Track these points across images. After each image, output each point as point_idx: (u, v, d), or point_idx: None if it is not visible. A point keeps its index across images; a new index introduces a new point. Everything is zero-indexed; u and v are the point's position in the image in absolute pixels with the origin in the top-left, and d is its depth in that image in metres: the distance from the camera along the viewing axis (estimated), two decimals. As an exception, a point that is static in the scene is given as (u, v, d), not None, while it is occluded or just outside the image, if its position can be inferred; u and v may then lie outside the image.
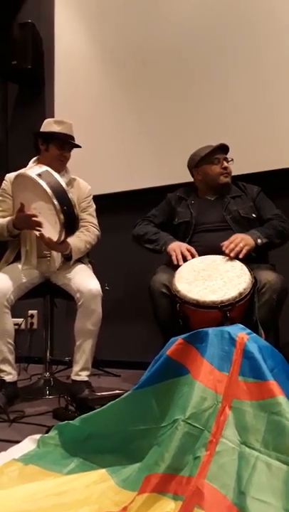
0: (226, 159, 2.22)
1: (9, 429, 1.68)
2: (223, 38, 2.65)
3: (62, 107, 3.15)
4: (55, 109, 3.18)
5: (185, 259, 1.96)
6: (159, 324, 1.98)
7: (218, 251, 1.96)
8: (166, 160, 2.75)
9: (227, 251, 1.89)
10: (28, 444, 1.39)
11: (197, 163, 2.24)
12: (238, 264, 1.88)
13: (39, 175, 1.87)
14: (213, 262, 1.93)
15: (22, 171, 2.03)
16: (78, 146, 2.27)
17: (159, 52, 2.83)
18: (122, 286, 2.87)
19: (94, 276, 2.17)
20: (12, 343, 2.04)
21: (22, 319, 2.94)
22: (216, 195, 2.25)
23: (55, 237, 1.95)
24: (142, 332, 2.68)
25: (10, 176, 2.24)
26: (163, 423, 1.13)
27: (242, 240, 1.92)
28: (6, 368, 2.02)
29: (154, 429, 1.14)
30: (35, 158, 2.27)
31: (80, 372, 2.05)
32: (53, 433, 1.38)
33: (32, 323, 3.19)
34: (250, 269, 1.85)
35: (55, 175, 1.90)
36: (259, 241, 1.96)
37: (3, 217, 2.17)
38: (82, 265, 2.23)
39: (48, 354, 2.37)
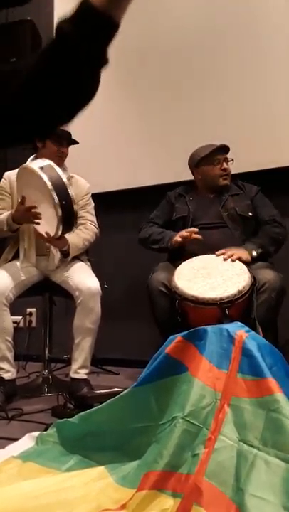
0: (226, 160, 2.22)
1: (8, 426, 1.68)
2: (223, 37, 2.64)
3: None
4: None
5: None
6: (158, 322, 1.98)
7: (214, 249, 1.97)
8: (165, 158, 2.75)
9: (225, 257, 1.90)
10: (27, 442, 1.39)
11: (197, 163, 2.25)
12: (237, 263, 1.89)
13: (41, 168, 1.86)
14: (212, 260, 1.94)
15: (26, 163, 2.03)
16: (76, 142, 2.26)
17: (158, 50, 2.83)
18: (121, 284, 2.87)
19: (93, 274, 2.17)
20: (11, 340, 2.04)
21: (21, 317, 2.94)
22: (215, 193, 2.25)
23: (52, 232, 1.95)
24: (140, 330, 2.68)
25: (8, 174, 2.23)
26: (162, 420, 1.13)
27: (237, 252, 1.93)
28: (5, 365, 2.02)
29: (153, 427, 1.14)
30: (32, 157, 2.26)
31: (78, 370, 2.05)
32: (51, 430, 1.38)
33: (31, 321, 3.19)
34: (250, 268, 1.86)
35: (58, 169, 1.89)
36: (254, 253, 1.98)
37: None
38: (81, 263, 2.23)
39: (46, 352, 2.37)
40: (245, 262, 1.90)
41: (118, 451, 1.20)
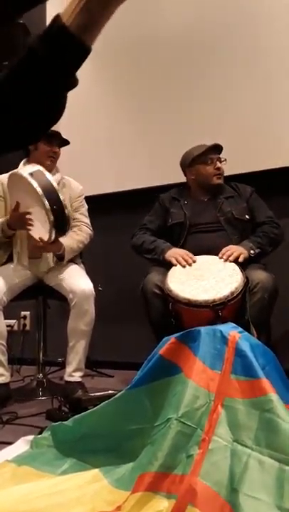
0: (219, 159, 2.22)
1: (2, 430, 1.68)
2: (218, 38, 2.64)
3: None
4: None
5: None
6: (152, 324, 1.98)
7: (212, 252, 1.97)
8: (158, 161, 2.76)
9: (224, 257, 1.91)
10: (22, 445, 1.39)
11: (190, 162, 2.24)
12: (230, 264, 1.90)
13: (31, 174, 1.87)
14: (205, 262, 1.94)
15: (16, 170, 2.03)
16: (67, 142, 2.26)
17: (152, 51, 2.83)
18: (115, 286, 2.87)
19: (86, 276, 2.17)
20: (4, 344, 2.04)
21: (15, 321, 2.94)
22: (209, 195, 2.25)
23: (46, 237, 1.96)
24: (134, 332, 2.68)
25: (1, 178, 2.23)
26: (156, 422, 1.14)
27: (237, 250, 1.93)
28: (-1, 369, 2.01)
29: (148, 429, 1.15)
30: (25, 160, 2.26)
31: (73, 373, 2.05)
32: (46, 434, 1.38)
33: (25, 325, 3.18)
34: (242, 269, 1.87)
35: (47, 174, 1.90)
36: (252, 252, 1.98)
37: None
38: (75, 266, 2.23)
39: (40, 355, 2.36)
40: (240, 262, 1.91)
41: (113, 453, 1.20)
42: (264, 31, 2.54)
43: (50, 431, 1.37)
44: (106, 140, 2.97)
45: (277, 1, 2.51)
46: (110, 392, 1.62)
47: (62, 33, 0.61)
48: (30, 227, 2.00)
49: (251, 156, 2.52)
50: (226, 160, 2.23)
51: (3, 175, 2.23)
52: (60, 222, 1.91)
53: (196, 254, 2.01)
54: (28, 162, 2.21)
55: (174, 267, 1.94)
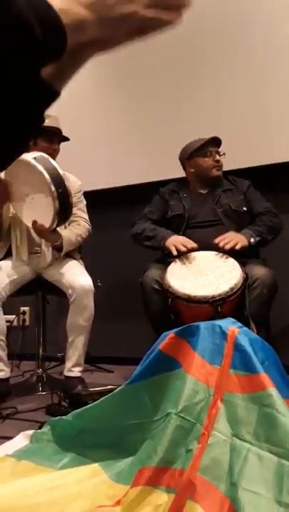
0: (218, 152, 2.23)
1: (2, 425, 1.68)
2: (216, 32, 2.63)
3: (51, 106, 3.12)
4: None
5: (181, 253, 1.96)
6: (151, 319, 1.98)
7: (210, 247, 1.97)
8: (157, 155, 2.75)
9: (221, 244, 1.90)
10: (21, 440, 1.39)
11: (189, 155, 2.25)
12: (229, 259, 1.89)
13: (35, 158, 1.83)
14: (205, 257, 1.94)
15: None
16: (66, 139, 2.25)
17: (150, 46, 2.79)
18: (114, 282, 2.87)
19: (86, 272, 2.17)
20: (4, 339, 2.04)
21: (14, 316, 2.93)
22: (208, 188, 2.26)
23: (47, 224, 1.93)
24: (134, 327, 2.68)
25: None
26: (156, 417, 1.14)
27: (235, 237, 1.93)
28: (-1, 364, 2.02)
29: (147, 423, 1.15)
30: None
31: (72, 368, 2.05)
32: (45, 429, 1.38)
33: (24, 320, 3.18)
34: (242, 265, 1.87)
35: (51, 160, 1.86)
36: (252, 240, 1.97)
37: None
38: (74, 261, 2.23)
39: (40, 350, 2.37)
40: (239, 256, 1.90)
41: (112, 448, 1.20)
42: (262, 26, 2.53)
43: (49, 426, 1.37)
44: (105, 135, 2.96)
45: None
46: (110, 387, 1.62)
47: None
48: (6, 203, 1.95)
49: (249, 151, 2.51)
50: (224, 154, 2.23)
51: None
52: (65, 209, 1.88)
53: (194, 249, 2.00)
54: None
55: (173, 263, 1.94)
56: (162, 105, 2.76)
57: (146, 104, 2.81)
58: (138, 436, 1.15)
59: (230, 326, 1.25)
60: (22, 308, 3.17)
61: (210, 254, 1.95)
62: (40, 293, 2.35)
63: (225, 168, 2.27)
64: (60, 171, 1.84)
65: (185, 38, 2.71)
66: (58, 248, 2.15)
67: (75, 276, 2.09)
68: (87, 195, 2.41)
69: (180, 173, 2.36)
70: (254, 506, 0.87)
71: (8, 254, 2.20)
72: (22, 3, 0.41)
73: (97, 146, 2.96)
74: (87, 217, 2.32)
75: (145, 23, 0.55)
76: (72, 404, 1.72)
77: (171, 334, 1.25)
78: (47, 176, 1.78)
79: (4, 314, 2.04)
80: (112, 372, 2.68)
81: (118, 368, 2.69)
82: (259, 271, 1.85)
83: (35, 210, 1.94)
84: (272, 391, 1.03)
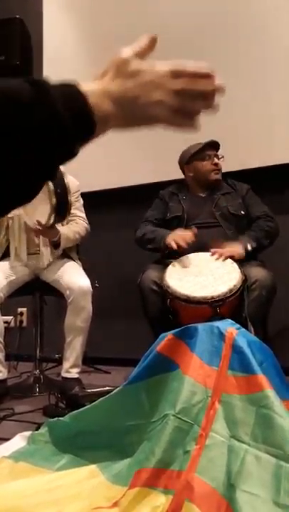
0: (216, 156, 2.23)
1: (-1, 426, 1.68)
2: (215, 36, 2.64)
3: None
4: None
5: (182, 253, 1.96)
6: (149, 320, 1.98)
7: (207, 248, 1.98)
8: (156, 157, 2.74)
9: (217, 256, 1.91)
10: (19, 442, 1.39)
11: (188, 159, 2.26)
12: (228, 261, 1.90)
13: None
14: (203, 258, 1.95)
15: None
16: None
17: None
18: (112, 282, 2.87)
19: (84, 273, 2.17)
20: (1, 341, 2.03)
21: (11, 317, 2.93)
22: (207, 191, 2.26)
23: (44, 220, 1.93)
24: (132, 329, 2.68)
25: None
26: (153, 418, 1.13)
27: (231, 252, 1.93)
28: (-4, 365, 2.01)
29: (145, 425, 1.15)
30: None
31: (70, 370, 2.05)
32: (43, 430, 1.38)
33: (21, 321, 3.17)
34: (241, 266, 1.87)
35: None
36: (249, 247, 1.98)
37: None
38: (72, 262, 2.22)
39: (37, 351, 2.36)
40: (237, 259, 1.91)
41: (110, 449, 1.20)
42: (260, 29, 2.53)
43: (47, 427, 1.37)
44: (105, 136, 2.95)
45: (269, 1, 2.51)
46: (107, 388, 1.62)
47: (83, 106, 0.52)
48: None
49: (247, 154, 2.52)
50: (223, 157, 2.23)
51: None
52: (62, 206, 1.88)
53: (192, 250, 2.01)
54: None
55: (171, 264, 1.94)
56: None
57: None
58: (136, 438, 1.15)
59: (229, 327, 1.25)
60: (19, 309, 3.16)
61: (209, 255, 1.96)
62: (37, 294, 2.35)
63: (223, 170, 2.28)
64: (60, 168, 1.84)
65: (185, 40, 2.72)
66: (55, 244, 2.15)
67: (73, 277, 2.09)
68: (85, 196, 2.41)
69: (179, 175, 2.36)
70: (252, 507, 0.87)
71: (5, 255, 2.20)
72: (60, 104, 0.48)
73: (96, 147, 2.94)
74: (84, 216, 2.32)
75: (168, 124, 0.60)
76: (69, 406, 1.72)
77: (169, 335, 1.25)
78: None
79: (2, 315, 2.03)
80: (110, 373, 2.68)
81: (116, 369, 2.68)
82: (258, 272, 1.86)
83: (32, 206, 1.94)
84: (270, 392, 1.03)
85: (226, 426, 1.03)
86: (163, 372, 1.20)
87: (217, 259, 1.91)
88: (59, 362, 2.34)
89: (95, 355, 2.69)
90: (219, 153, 2.25)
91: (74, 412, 1.31)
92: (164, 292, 1.84)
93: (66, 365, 2.05)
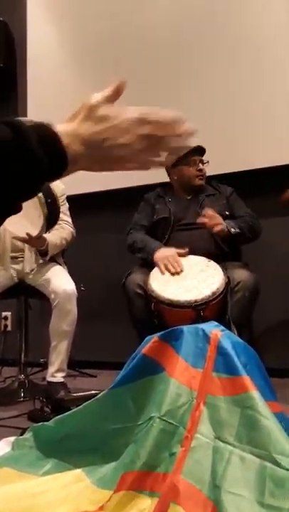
0: (201, 161, 2.26)
1: (-17, 432, 1.66)
2: (199, 39, 2.67)
3: (35, 106, 3.12)
4: (28, 108, 3.15)
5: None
6: (135, 324, 1.99)
7: (195, 250, 1.99)
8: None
9: (206, 219, 1.96)
10: (3, 447, 1.37)
11: (173, 163, 2.27)
12: (212, 263, 1.92)
13: None
14: (188, 262, 1.96)
15: None
16: None
17: (133, 52, 2.84)
18: (98, 286, 2.87)
19: (69, 276, 2.16)
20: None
21: (-4, 321, 2.90)
22: (192, 194, 2.29)
23: (35, 232, 1.92)
24: (117, 332, 2.68)
25: None
26: (139, 421, 1.13)
27: (216, 220, 1.98)
28: (-20, 370, 1.99)
29: (131, 428, 1.15)
30: None
31: (55, 374, 2.04)
32: (27, 435, 1.36)
33: (6, 325, 3.14)
34: (224, 268, 1.89)
35: None
36: (232, 230, 2.02)
37: None
38: (57, 266, 2.21)
39: (22, 356, 2.34)
40: (221, 260, 1.93)
41: (95, 453, 1.19)
42: (245, 33, 2.57)
43: (32, 432, 1.36)
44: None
45: (254, 5, 2.54)
46: (93, 392, 1.61)
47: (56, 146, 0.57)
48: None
49: (231, 157, 2.54)
50: (208, 162, 2.26)
51: None
52: (53, 215, 1.89)
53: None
54: None
55: (156, 267, 1.95)
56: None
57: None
58: (121, 441, 1.14)
59: (214, 329, 1.25)
60: (4, 313, 3.13)
61: (193, 259, 1.97)
62: (22, 297, 2.33)
63: (208, 173, 2.30)
64: None
65: (169, 45, 2.74)
66: (43, 253, 2.14)
67: (58, 280, 2.08)
68: (71, 199, 2.41)
69: (164, 178, 2.37)
70: (237, 508, 0.88)
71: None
72: (35, 142, 0.54)
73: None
74: (70, 220, 2.31)
75: (134, 164, 0.63)
76: (54, 410, 1.70)
77: (154, 338, 1.25)
78: None
79: (-14, 319, 2.01)
80: (96, 377, 2.67)
81: (101, 373, 2.67)
82: (241, 274, 1.88)
83: (21, 217, 1.93)
84: (255, 393, 1.04)
85: (211, 427, 1.04)
86: (149, 374, 1.20)
87: (205, 222, 1.95)
88: (44, 366, 2.32)
89: (80, 359, 2.68)
90: (204, 157, 2.27)
91: (59, 416, 1.30)
92: (148, 296, 1.84)
93: (51, 369, 2.04)
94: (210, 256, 1.96)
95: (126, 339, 2.00)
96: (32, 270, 2.18)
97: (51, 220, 1.89)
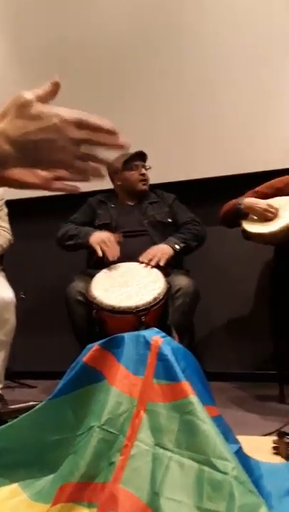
0: (144, 166, 2.28)
1: None
2: (144, 45, 2.69)
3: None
4: None
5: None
6: (76, 332, 1.96)
7: (135, 257, 2.00)
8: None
9: (146, 260, 1.94)
10: None
11: (117, 169, 2.28)
12: (154, 270, 1.93)
13: None
14: (129, 268, 1.96)
15: None
16: None
17: (77, 54, 2.81)
18: (38, 294, 2.80)
19: (7, 284, 2.09)
20: None
21: None
22: (135, 200, 2.30)
23: None
24: (58, 341, 2.62)
25: None
26: (79, 431, 1.11)
27: (158, 251, 1.97)
28: None
29: (71, 438, 1.12)
30: None
31: (-8, 386, 1.96)
32: None
33: None
34: (166, 275, 1.91)
35: None
36: (177, 247, 2.04)
37: None
38: (-5, 273, 2.14)
39: None
40: (163, 267, 1.95)
41: (34, 466, 1.15)
42: (189, 42, 2.62)
43: None
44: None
45: (203, 12, 2.60)
46: (31, 403, 1.57)
47: None
48: None
49: (175, 167, 2.59)
50: (150, 167, 2.29)
51: None
52: None
53: (121, 259, 2.03)
54: None
55: (97, 275, 1.93)
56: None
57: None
58: (61, 453, 1.11)
59: (154, 335, 1.26)
60: None
61: (135, 265, 1.98)
62: None
63: (151, 182, 2.33)
64: None
65: (114, 49, 2.74)
66: None
67: (-4, 288, 2.00)
68: (11, 204, 2.34)
69: (107, 185, 2.37)
70: (175, 514, 0.88)
71: None
72: None
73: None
74: (8, 226, 2.24)
75: (71, 170, 0.61)
76: (-10, 424, 1.63)
77: (95, 346, 1.24)
78: None
79: None
80: (36, 387, 2.59)
81: (42, 383, 2.60)
82: (182, 281, 1.91)
83: None
84: (193, 398, 1.05)
85: (151, 434, 1.04)
86: (89, 383, 1.18)
87: (146, 265, 1.93)
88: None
89: (19, 370, 2.60)
90: (146, 164, 2.30)
91: (-6, 430, 1.25)
92: (90, 303, 1.82)
93: (-13, 381, 1.96)
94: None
95: (67, 348, 1.96)
96: None
97: None
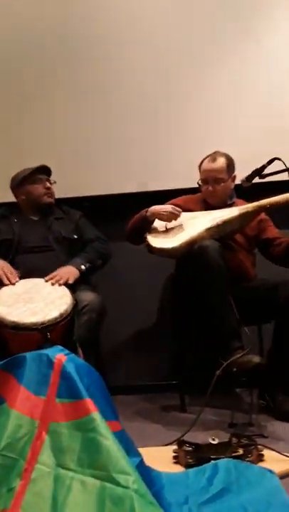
0: (48, 180, 2.26)
1: None
2: (54, 57, 2.64)
3: None
4: None
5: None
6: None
7: (41, 273, 1.97)
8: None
9: (53, 281, 1.92)
10: None
11: (19, 183, 2.23)
12: (59, 286, 1.91)
13: None
14: (35, 285, 1.92)
15: None
16: None
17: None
18: None
19: None
20: None
21: None
22: (40, 215, 2.26)
23: None
24: None
25: None
26: (-23, 459, 1.06)
27: (65, 274, 1.96)
28: None
29: None
30: None
31: None
32: None
33: None
34: (73, 291, 1.90)
35: None
36: (83, 267, 2.05)
37: None
38: None
39: None
40: (71, 284, 1.94)
41: None
42: (100, 54, 2.63)
43: None
44: None
45: (109, 26, 2.64)
46: None
47: None
48: None
49: (80, 181, 2.60)
50: (55, 182, 2.28)
51: None
52: None
53: (25, 275, 1.98)
54: None
55: (0, 291, 1.87)
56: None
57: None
58: None
59: (58, 354, 1.24)
60: None
61: (41, 281, 1.94)
62: None
63: (57, 196, 2.31)
64: None
65: (25, 60, 2.66)
66: None
67: None
68: None
69: (9, 198, 2.31)
70: (77, 535, 0.88)
71: None
72: None
73: None
74: None
75: None
76: None
77: (-5, 368, 1.19)
78: None
79: None
80: None
81: None
82: (88, 296, 1.92)
83: None
84: (96, 415, 1.05)
85: (53, 455, 1.02)
86: (-12, 408, 1.13)
87: (53, 284, 1.91)
88: None
89: None
90: (52, 179, 2.28)
91: None
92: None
93: None
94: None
95: None
96: None
97: None
